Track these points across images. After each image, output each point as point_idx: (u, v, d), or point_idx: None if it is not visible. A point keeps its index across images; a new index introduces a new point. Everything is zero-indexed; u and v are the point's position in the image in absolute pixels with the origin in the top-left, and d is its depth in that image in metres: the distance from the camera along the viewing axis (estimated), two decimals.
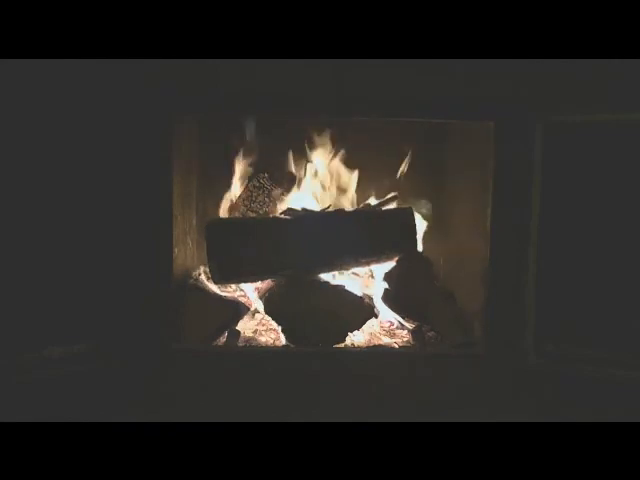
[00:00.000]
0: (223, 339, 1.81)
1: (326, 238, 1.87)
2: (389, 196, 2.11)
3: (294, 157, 2.16)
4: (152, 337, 1.63)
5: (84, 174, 1.57)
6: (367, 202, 2.13)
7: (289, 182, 2.17)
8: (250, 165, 2.15)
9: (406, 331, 1.92)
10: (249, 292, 2.01)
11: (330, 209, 2.06)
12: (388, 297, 1.94)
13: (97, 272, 1.59)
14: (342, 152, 2.14)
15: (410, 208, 2.05)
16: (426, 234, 2.13)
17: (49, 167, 1.54)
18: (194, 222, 2.07)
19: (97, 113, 1.55)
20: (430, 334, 1.87)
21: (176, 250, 1.77)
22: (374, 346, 1.84)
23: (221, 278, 1.85)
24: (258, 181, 2.14)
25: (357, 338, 1.85)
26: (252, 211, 2.13)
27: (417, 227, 2.03)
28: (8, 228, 1.49)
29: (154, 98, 1.58)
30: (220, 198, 2.15)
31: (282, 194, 2.14)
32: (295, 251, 1.84)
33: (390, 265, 1.98)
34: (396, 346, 1.85)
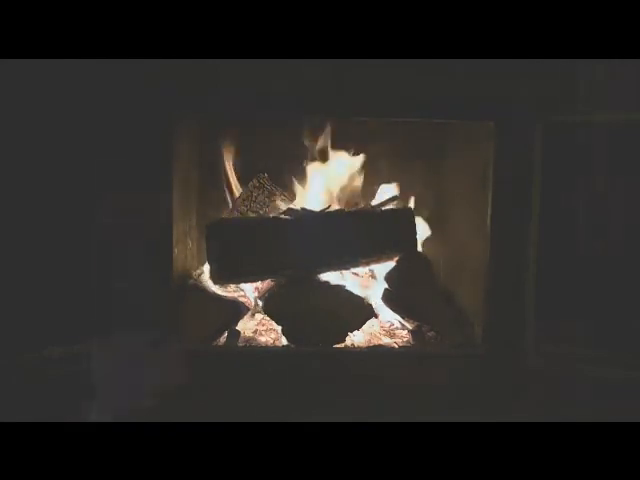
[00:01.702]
0: (223, 339, 1.81)
1: (326, 238, 1.87)
2: (389, 196, 2.11)
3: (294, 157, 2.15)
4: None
5: (84, 174, 1.57)
6: (367, 202, 2.13)
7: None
8: (250, 165, 2.15)
9: (406, 331, 1.92)
10: (249, 292, 2.01)
11: (330, 209, 2.06)
12: (388, 297, 1.94)
13: (97, 272, 1.59)
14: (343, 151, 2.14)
15: (410, 208, 2.05)
16: (427, 233, 2.13)
17: (49, 167, 1.54)
18: (194, 222, 2.07)
19: (97, 113, 1.55)
20: (430, 334, 1.87)
21: (176, 250, 1.77)
22: (374, 346, 1.84)
23: (221, 278, 1.85)
24: (258, 181, 2.13)
25: (357, 338, 1.85)
26: (252, 211, 2.13)
27: (417, 227, 2.02)
28: (8, 229, 1.49)
29: (154, 98, 1.58)
30: (220, 198, 2.15)
31: (282, 194, 2.14)
32: (295, 251, 1.84)
33: (390, 265, 1.98)
34: (396, 346, 1.85)
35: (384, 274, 1.97)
